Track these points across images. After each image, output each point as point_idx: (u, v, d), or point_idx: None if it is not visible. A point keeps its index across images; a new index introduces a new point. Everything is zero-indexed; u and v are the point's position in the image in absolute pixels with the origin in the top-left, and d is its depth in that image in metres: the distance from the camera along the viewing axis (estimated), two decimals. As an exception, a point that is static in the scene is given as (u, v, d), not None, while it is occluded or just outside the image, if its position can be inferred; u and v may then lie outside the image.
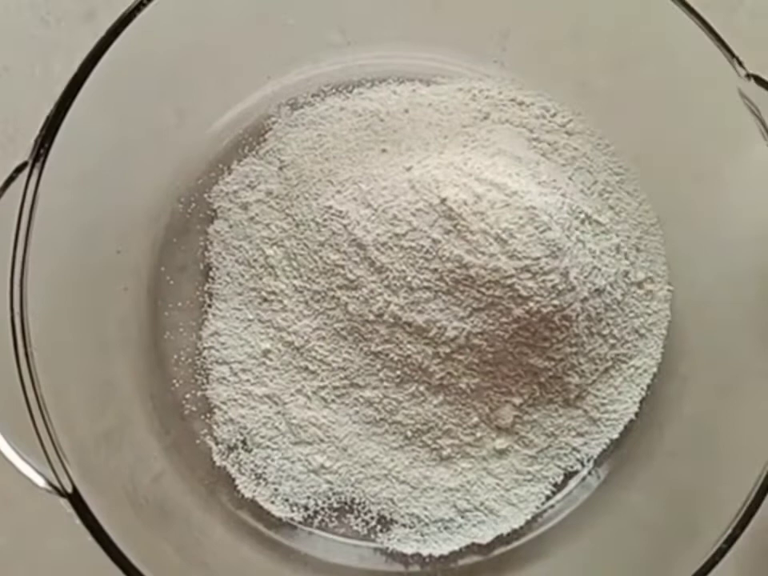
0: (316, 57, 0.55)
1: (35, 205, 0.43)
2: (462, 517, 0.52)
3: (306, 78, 0.55)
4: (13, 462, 0.42)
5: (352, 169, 0.52)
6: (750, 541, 0.51)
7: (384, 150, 0.52)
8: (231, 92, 0.55)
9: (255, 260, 0.52)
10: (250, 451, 0.52)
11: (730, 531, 0.43)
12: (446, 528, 0.52)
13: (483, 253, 0.47)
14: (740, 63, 0.45)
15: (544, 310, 0.47)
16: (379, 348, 0.50)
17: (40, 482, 0.41)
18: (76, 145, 0.45)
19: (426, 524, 0.51)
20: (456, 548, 0.51)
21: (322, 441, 0.51)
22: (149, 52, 0.48)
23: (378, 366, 0.50)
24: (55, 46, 0.58)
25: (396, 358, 0.50)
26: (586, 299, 0.49)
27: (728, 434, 0.48)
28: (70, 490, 0.41)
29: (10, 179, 0.43)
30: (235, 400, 0.52)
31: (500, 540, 0.52)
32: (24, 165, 0.43)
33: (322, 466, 0.51)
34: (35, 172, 0.43)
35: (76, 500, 0.41)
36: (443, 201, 0.47)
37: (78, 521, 0.41)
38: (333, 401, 0.51)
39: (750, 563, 0.53)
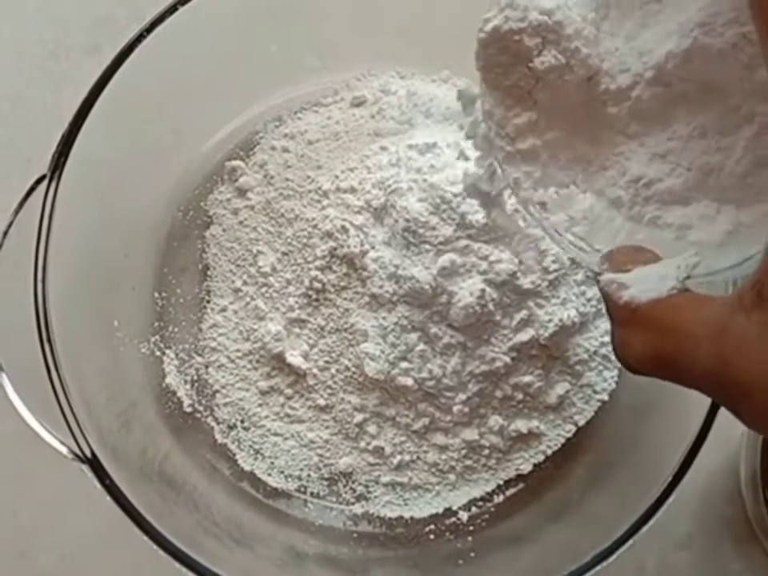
0: (297, 79, 0.60)
1: (53, 213, 0.47)
2: (439, 484, 0.56)
3: (289, 99, 0.60)
4: (40, 435, 0.46)
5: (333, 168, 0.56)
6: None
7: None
8: (222, 112, 0.59)
9: (245, 259, 0.57)
10: (247, 429, 0.56)
11: (670, 479, 0.47)
12: (425, 494, 0.56)
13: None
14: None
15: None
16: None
17: (63, 450, 0.46)
18: (87, 163, 0.49)
19: (408, 490, 0.56)
20: (435, 511, 0.56)
21: (312, 420, 0.56)
22: (149, 80, 0.51)
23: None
24: (64, 78, 0.63)
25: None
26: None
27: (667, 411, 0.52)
28: (89, 455, 0.45)
29: (31, 190, 0.48)
30: (233, 384, 0.56)
31: (473, 502, 0.56)
32: (43, 177, 0.48)
33: (312, 441, 0.56)
34: (53, 184, 0.47)
35: (95, 464, 0.45)
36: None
37: (97, 484, 0.45)
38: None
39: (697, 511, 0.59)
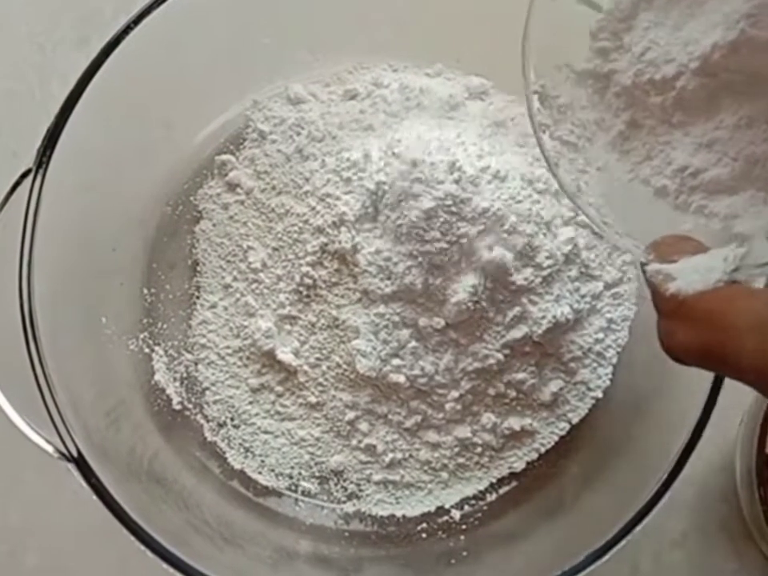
0: (287, 73, 0.59)
1: (39, 207, 0.47)
2: (432, 483, 0.55)
3: (279, 92, 0.59)
4: (26, 434, 0.45)
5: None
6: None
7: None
8: (212, 106, 0.59)
9: (235, 254, 0.56)
10: (237, 427, 0.56)
11: (665, 477, 0.46)
12: (417, 492, 0.55)
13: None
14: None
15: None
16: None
17: (49, 449, 0.45)
18: (74, 156, 0.49)
19: (400, 489, 0.55)
20: (427, 510, 0.55)
21: (303, 417, 0.55)
22: (137, 73, 0.51)
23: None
24: (52, 71, 0.63)
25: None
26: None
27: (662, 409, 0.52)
28: (75, 454, 0.45)
29: (16, 184, 0.47)
30: (223, 382, 0.56)
31: (465, 501, 0.56)
32: (28, 171, 0.47)
33: (303, 439, 0.55)
34: (38, 178, 0.47)
35: (81, 463, 0.45)
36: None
37: (84, 483, 0.45)
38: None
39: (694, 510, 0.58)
